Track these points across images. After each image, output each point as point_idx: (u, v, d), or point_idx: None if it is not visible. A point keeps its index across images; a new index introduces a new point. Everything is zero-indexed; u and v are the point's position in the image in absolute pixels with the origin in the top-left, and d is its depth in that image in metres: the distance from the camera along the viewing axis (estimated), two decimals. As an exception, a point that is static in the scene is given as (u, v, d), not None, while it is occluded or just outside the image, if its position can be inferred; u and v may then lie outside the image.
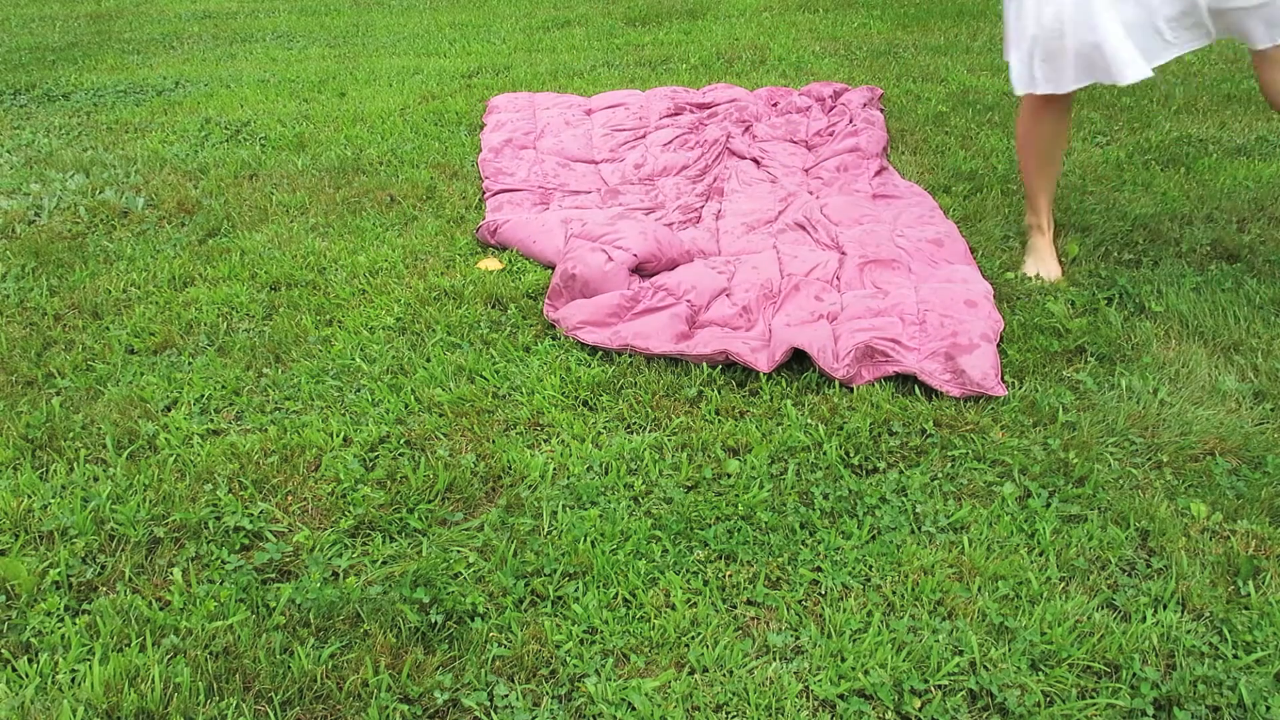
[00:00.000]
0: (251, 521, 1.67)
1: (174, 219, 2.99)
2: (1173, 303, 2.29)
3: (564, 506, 1.70)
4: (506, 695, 1.35)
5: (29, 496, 1.74)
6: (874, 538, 1.62)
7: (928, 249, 2.51)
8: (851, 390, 1.99)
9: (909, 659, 1.38)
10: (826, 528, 1.64)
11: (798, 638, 1.43)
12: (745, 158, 3.36)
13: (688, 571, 1.56)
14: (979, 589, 1.50)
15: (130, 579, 1.57)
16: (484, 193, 3.12)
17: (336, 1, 7.24)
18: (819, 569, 1.56)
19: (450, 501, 1.73)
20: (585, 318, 2.23)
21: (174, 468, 1.82)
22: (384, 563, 1.59)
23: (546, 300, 2.34)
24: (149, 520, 1.68)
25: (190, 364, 2.17)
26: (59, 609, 1.50)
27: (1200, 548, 1.58)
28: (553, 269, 2.53)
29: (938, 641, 1.41)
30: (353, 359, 2.16)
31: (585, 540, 1.61)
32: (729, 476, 1.77)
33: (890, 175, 3.14)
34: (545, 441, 1.89)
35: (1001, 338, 2.16)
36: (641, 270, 2.44)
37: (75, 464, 1.83)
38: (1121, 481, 1.73)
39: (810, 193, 2.99)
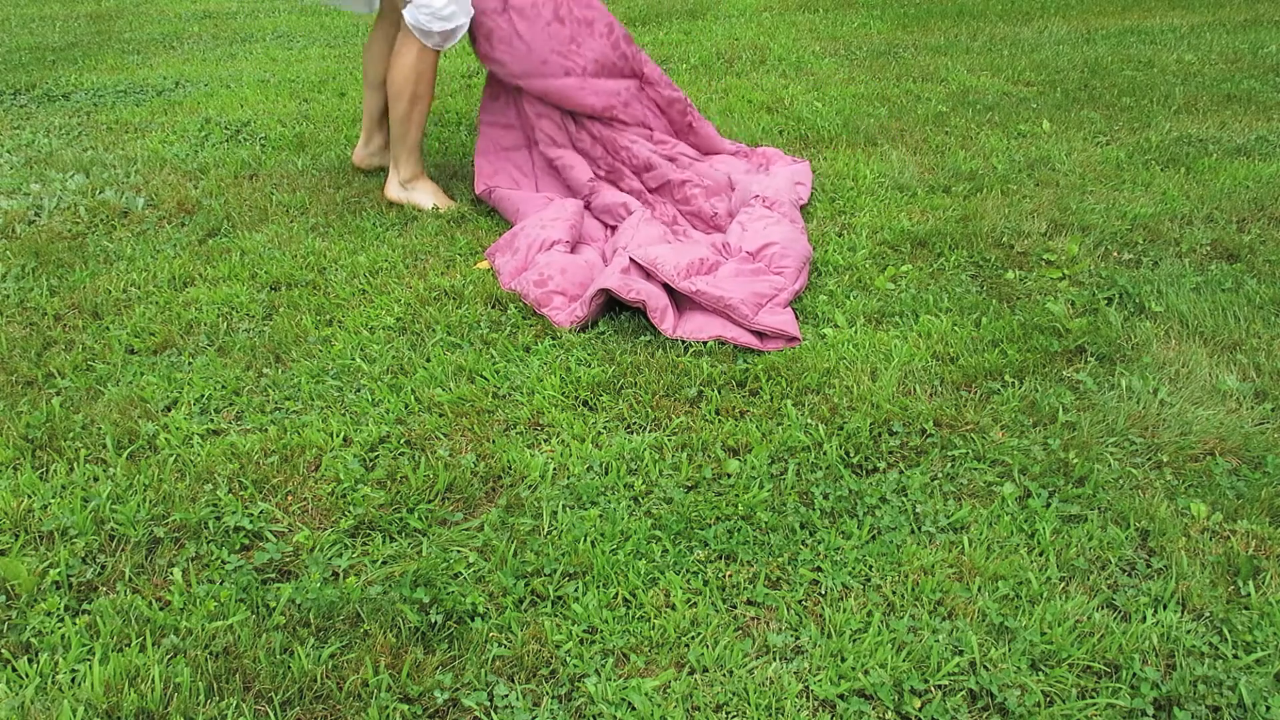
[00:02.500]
0: (251, 521, 1.67)
1: (174, 219, 2.99)
2: (1173, 303, 2.29)
3: (564, 506, 1.70)
4: (506, 695, 1.35)
5: (29, 496, 1.74)
6: (874, 538, 1.62)
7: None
8: (851, 392, 1.99)
9: (909, 659, 1.38)
10: (826, 528, 1.64)
11: (798, 638, 1.43)
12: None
13: (688, 571, 1.56)
14: (979, 589, 1.51)
15: (130, 579, 1.57)
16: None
17: (336, 1, 7.23)
18: (819, 569, 1.56)
19: (450, 501, 1.74)
20: (602, 283, 2.28)
21: (174, 468, 1.82)
22: (384, 563, 1.59)
23: (552, 317, 2.29)
24: (149, 520, 1.68)
25: (190, 364, 2.17)
26: (59, 609, 1.50)
27: (1200, 548, 1.58)
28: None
29: (938, 641, 1.41)
30: (353, 359, 2.16)
31: (585, 540, 1.61)
32: (729, 476, 1.77)
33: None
34: (545, 441, 1.89)
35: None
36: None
37: (75, 464, 1.83)
38: (1121, 481, 1.73)
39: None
